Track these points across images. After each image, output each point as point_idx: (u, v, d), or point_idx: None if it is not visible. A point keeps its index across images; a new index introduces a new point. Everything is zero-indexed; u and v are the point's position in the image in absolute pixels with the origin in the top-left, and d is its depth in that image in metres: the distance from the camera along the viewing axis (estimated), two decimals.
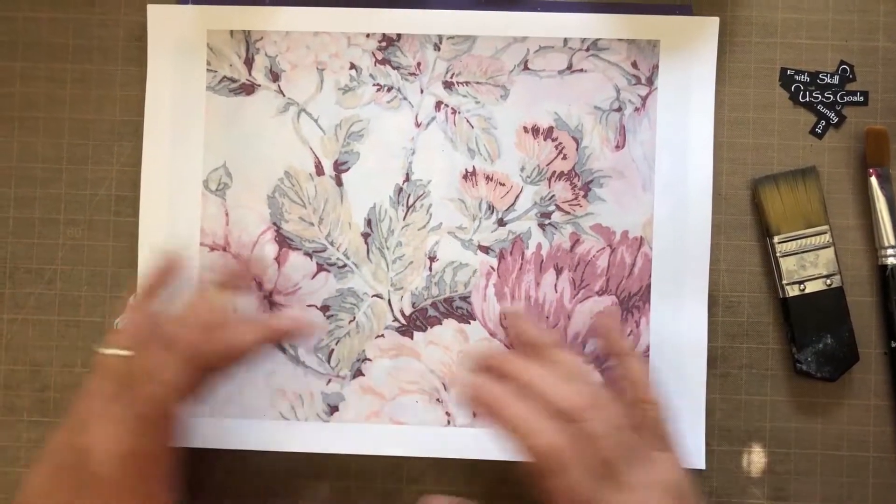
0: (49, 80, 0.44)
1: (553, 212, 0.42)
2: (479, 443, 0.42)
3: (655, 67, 0.42)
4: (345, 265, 0.42)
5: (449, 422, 0.42)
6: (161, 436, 0.35)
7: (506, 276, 0.42)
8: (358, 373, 0.42)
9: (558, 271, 0.42)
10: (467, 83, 0.43)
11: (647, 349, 0.42)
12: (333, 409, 0.42)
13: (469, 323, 0.42)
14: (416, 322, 0.42)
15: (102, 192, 0.43)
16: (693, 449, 0.41)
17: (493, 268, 0.42)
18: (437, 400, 0.42)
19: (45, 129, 0.43)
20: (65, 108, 0.43)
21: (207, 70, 0.43)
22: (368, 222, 0.42)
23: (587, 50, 0.43)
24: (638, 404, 0.36)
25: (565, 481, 0.32)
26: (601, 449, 0.33)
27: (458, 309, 0.42)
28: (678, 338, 0.42)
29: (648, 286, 0.42)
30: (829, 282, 0.42)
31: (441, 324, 0.42)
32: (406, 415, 0.42)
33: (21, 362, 0.43)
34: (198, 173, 0.43)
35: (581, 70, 0.43)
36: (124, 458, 0.34)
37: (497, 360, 0.37)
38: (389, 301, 0.42)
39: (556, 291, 0.42)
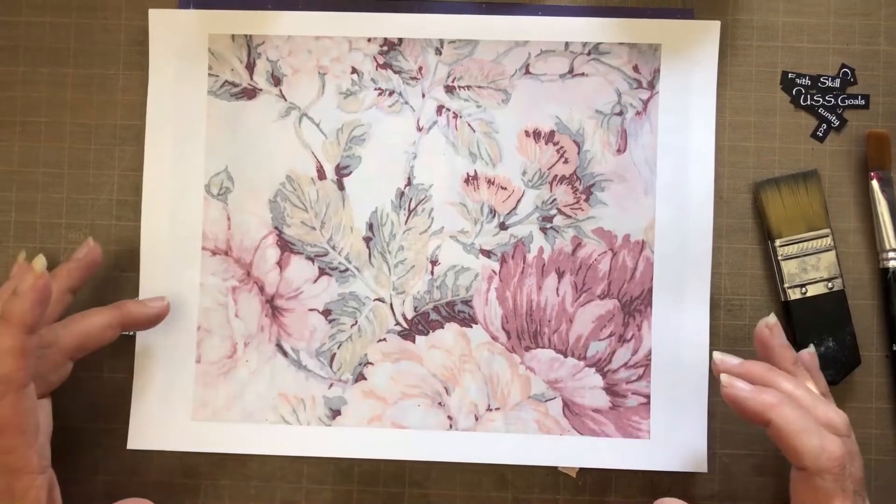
0: (50, 84, 0.44)
1: (555, 215, 0.42)
2: (481, 447, 0.42)
3: (657, 71, 0.43)
4: (346, 269, 0.42)
5: (451, 426, 0.42)
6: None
7: (508, 280, 0.42)
8: (360, 377, 0.42)
9: (560, 275, 0.42)
10: (469, 87, 0.43)
11: (649, 353, 0.42)
12: (335, 413, 0.42)
13: (471, 327, 0.42)
14: (418, 326, 0.42)
15: (104, 196, 0.43)
16: (695, 452, 0.41)
17: (494, 271, 0.42)
18: (440, 404, 0.42)
19: (46, 134, 0.43)
20: (66, 112, 0.43)
21: (209, 74, 0.43)
22: (370, 226, 0.43)
23: (588, 54, 0.43)
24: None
25: (839, 485, 0.34)
26: (860, 469, 0.35)
27: (459, 313, 0.42)
28: (680, 342, 0.42)
29: (650, 290, 0.42)
30: (830, 285, 0.42)
31: (443, 327, 0.42)
32: (408, 419, 0.42)
33: None
34: (199, 178, 0.43)
35: (582, 74, 0.43)
36: None
37: (756, 372, 0.37)
38: (391, 305, 0.42)
39: (558, 295, 0.42)
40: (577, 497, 0.42)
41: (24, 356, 0.33)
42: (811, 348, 0.39)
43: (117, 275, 0.43)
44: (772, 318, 0.38)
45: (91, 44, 0.44)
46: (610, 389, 0.42)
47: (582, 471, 0.42)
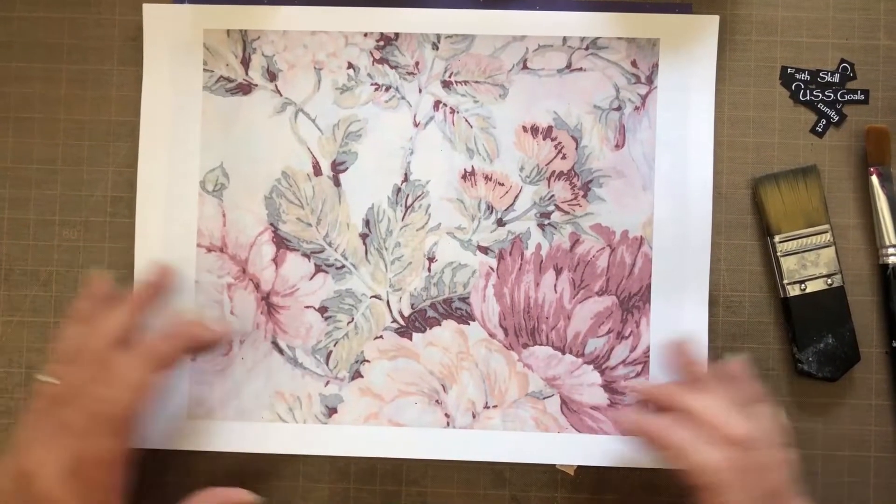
0: (44, 80, 0.43)
1: (552, 212, 0.42)
2: (478, 445, 0.42)
3: (655, 66, 0.42)
4: (343, 266, 0.42)
5: (448, 423, 0.42)
6: (114, 441, 0.36)
7: (505, 277, 0.42)
8: (357, 374, 0.42)
9: (558, 271, 0.42)
10: (466, 82, 0.42)
11: (648, 350, 0.42)
12: (332, 410, 0.42)
13: (468, 324, 0.42)
14: (415, 323, 0.42)
15: (98, 193, 0.43)
16: None
17: (492, 268, 0.42)
18: (437, 402, 0.42)
19: (40, 130, 0.43)
20: (60, 108, 0.43)
21: (204, 70, 0.43)
22: (367, 223, 0.42)
23: (586, 49, 0.42)
24: None
25: (726, 501, 0.34)
26: (768, 480, 0.34)
27: (457, 310, 0.42)
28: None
29: (649, 286, 0.42)
30: (829, 281, 0.41)
31: (440, 325, 0.42)
32: (405, 416, 0.42)
33: (16, 364, 0.43)
34: (195, 174, 0.42)
35: (580, 69, 0.42)
36: (66, 475, 0.34)
37: (661, 393, 0.38)
38: (388, 302, 0.42)
39: (556, 292, 0.42)
40: (574, 494, 0.42)
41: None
42: (742, 357, 0.39)
43: (112, 272, 0.43)
44: (674, 341, 0.40)
45: (85, 39, 0.43)
46: (608, 387, 0.42)
47: (580, 468, 0.42)
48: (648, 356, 0.42)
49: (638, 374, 0.42)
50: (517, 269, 0.42)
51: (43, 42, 0.43)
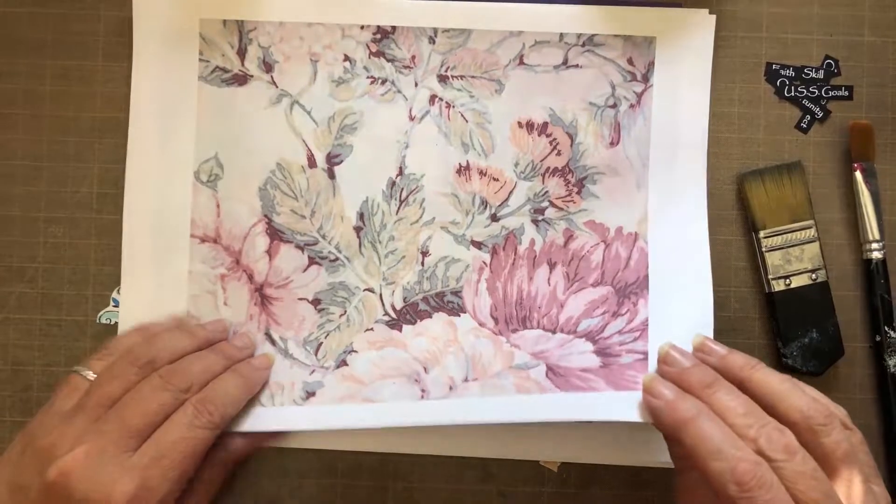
0: (28, 76, 0.43)
1: (546, 207, 0.42)
2: (454, 411, 0.41)
3: (651, 64, 0.42)
4: (336, 259, 0.42)
5: (423, 396, 0.41)
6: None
7: (498, 272, 0.42)
8: (342, 363, 0.42)
9: (551, 266, 0.42)
10: (462, 77, 0.42)
11: (646, 321, 0.42)
12: (310, 394, 0.42)
13: (459, 315, 0.42)
14: (406, 316, 0.42)
15: (84, 189, 0.43)
16: None
17: (485, 263, 0.42)
18: (416, 380, 0.41)
19: (24, 127, 0.43)
20: (45, 104, 0.43)
21: (199, 60, 0.42)
22: (361, 216, 0.42)
23: (583, 45, 0.42)
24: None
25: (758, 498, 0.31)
26: (801, 491, 0.31)
27: (448, 303, 0.42)
28: (681, 328, 0.41)
29: (646, 276, 0.42)
30: (814, 276, 0.42)
31: (431, 317, 0.42)
32: (382, 395, 0.41)
33: (2, 362, 0.42)
34: (189, 164, 0.42)
35: (576, 66, 0.42)
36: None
37: (695, 379, 0.35)
38: (381, 295, 0.42)
39: (549, 284, 0.42)
40: (561, 490, 0.42)
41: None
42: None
43: (97, 270, 0.42)
44: (697, 339, 0.38)
45: (69, 35, 0.43)
46: (601, 352, 0.41)
47: (565, 465, 0.42)
48: (646, 325, 0.41)
49: (635, 340, 0.41)
50: (510, 264, 0.42)
51: (26, 38, 0.43)
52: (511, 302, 0.42)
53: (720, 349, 0.38)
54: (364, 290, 0.42)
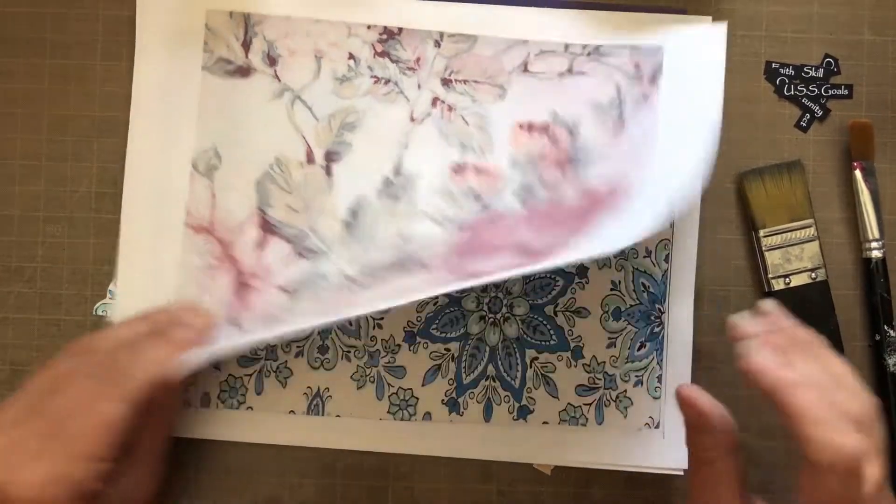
0: (27, 75, 0.43)
1: (539, 193, 0.42)
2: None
3: (659, 69, 0.42)
4: (323, 252, 0.42)
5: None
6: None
7: (480, 236, 0.41)
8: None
9: (540, 228, 0.41)
10: (465, 81, 0.42)
11: None
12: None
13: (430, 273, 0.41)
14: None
15: (83, 189, 0.43)
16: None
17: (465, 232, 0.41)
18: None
19: (23, 126, 0.43)
20: (43, 104, 0.43)
21: (204, 50, 0.42)
22: (353, 213, 0.42)
23: (588, 55, 0.42)
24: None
25: (853, 490, 0.30)
26: (881, 467, 0.31)
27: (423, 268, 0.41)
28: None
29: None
30: (813, 275, 0.42)
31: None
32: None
33: (0, 362, 0.42)
34: (187, 153, 0.42)
35: (582, 73, 0.42)
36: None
37: (778, 344, 0.34)
38: (360, 284, 0.41)
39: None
40: (559, 489, 0.42)
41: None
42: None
43: (95, 269, 0.42)
44: (764, 304, 0.37)
45: (68, 34, 0.43)
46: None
47: (558, 468, 0.42)
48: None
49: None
50: (493, 230, 0.41)
51: (25, 37, 0.43)
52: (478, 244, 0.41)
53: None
54: (345, 277, 0.41)
